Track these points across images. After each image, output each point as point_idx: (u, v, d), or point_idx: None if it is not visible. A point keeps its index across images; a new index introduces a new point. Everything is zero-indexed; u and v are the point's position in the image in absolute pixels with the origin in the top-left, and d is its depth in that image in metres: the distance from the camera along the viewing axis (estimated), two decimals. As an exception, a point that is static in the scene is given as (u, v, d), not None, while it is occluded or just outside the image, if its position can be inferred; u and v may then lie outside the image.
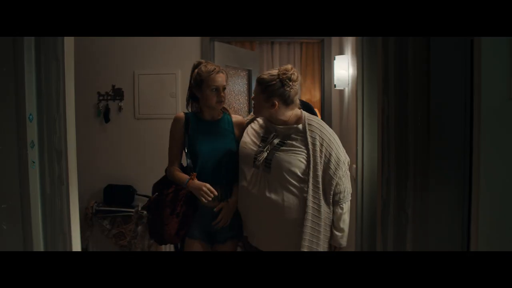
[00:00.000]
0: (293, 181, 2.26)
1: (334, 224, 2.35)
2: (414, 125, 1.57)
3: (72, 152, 1.80)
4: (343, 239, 2.37)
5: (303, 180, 2.27)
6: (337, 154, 2.32)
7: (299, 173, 2.26)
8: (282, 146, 2.30)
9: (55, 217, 1.70)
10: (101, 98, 4.14)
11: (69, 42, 1.79)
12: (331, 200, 2.32)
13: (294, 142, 2.30)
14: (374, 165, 2.85)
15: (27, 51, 1.64)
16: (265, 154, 2.29)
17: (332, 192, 2.30)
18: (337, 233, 2.34)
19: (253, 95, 2.40)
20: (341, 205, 2.34)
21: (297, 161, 2.26)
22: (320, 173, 2.27)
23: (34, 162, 1.66)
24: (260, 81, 2.33)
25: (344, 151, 2.38)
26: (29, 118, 1.64)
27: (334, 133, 2.41)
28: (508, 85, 1.31)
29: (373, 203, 2.77)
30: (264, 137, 2.36)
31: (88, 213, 3.99)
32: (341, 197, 2.33)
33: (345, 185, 2.34)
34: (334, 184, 2.29)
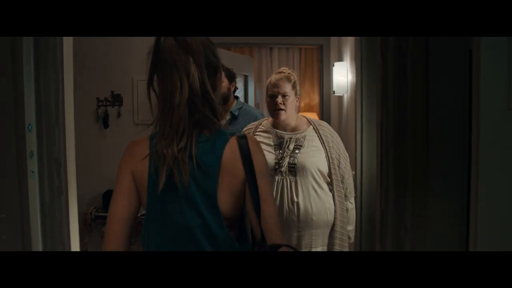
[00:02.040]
0: (319, 181, 2.33)
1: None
2: (412, 136, 1.57)
3: (72, 162, 1.80)
4: (353, 233, 2.45)
5: (327, 178, 2.36)
6: (343, 150, 2.46)
7: (324, 172, 2.32)
8: (300, 149, 2.33)
9: (55, 227, 1.69)
10: (100, 103, 4.14)
11: (68, 52, 1.80)
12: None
13: (310, 143, 2.35)
14: (373, 171, 2.85)
15: (26, 61, 1.64)
16: (287, 160, 2.31)
17: (344, 187, 2.41)
18: (349, 227, 2.43)
19: (278, 96, 2.38)
20: (350, 200, 2.46)
21: (320, 159, 2.32)
22: (338, 170, 2.37)
23: (33, 172, 1.66)
24: (289, 77, 2.37)
25: None
26: (28, 128, 1.64)
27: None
28: (508, 95, 1.31)
29: (371, 209, 2.77)
30: (277, 145, 2.38)
31: (87, 219, 3.98)
32: (350, 191, 2.45)
33: (351, 179, 2.46)
34: (346, 179, 2.41)
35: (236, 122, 2.87)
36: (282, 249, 1.25)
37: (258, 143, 1.38)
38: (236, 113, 2.90)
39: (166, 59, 1.26)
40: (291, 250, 1.25)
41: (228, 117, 2.91)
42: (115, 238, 1.29)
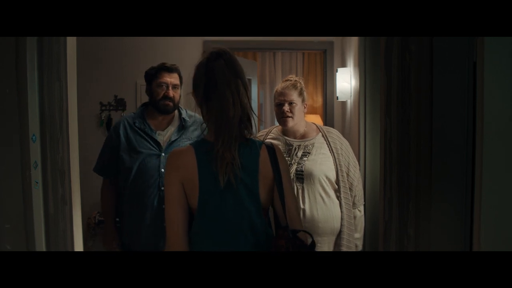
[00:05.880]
0: (327, 188, 2.31)
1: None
2: (416, 147, 1.57)
3: (75, 172, 1.81)
4: (361, 240, 2.43)
5: (335, 186, 2.34)
6: (353, 158, 2.42)
7: (331, 179, 2.31)
8: (308, 156, 2.33)
9: (58, 237, 1.70)
10: (103, 108, 4.15)
11: (71, 61, 1.80)
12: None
13: (319, 150, 2.35)
14: (376, 177, 2.85)
15: (30, 71, 1.64)
16: (294, 166, 2.31)
17: (353, 195, 2.39)
18: (356, 235, 2.40)
19: (285, 104, 2.37)
20: (359, 208, 2.43)
21: (328, 167, 2.31)
22: (346, 178, 2.35)
23: (37, 183, 1.66)
24: (295, 85, 2.37)
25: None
26: (32, 138, 1.65)
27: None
28: (511, 105, 1.31)
29: (375, 217, 2.76)
30: (285, 152, 2.39)
31: (90, 223, 3.99)
32: (359, 199, 2.42)
33: (360, 187, 2.44)
34: (355, 186, 2.38)
35: (187, 130, 2.60)
36: (300, 234, 1.50)
37: (280, 149, 1.66)
38: (187, 119, 2.64)
39: (220, 80, 1.49)
40: (308, 235, 1.52)
41: (178, 123, 2.64)
42: (179, 238, 1.50)
